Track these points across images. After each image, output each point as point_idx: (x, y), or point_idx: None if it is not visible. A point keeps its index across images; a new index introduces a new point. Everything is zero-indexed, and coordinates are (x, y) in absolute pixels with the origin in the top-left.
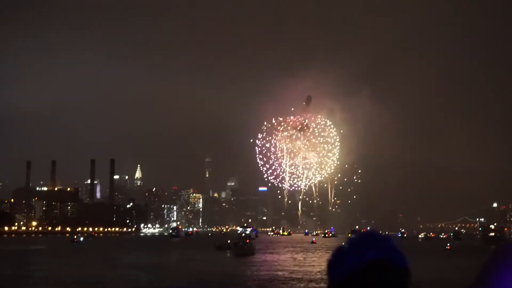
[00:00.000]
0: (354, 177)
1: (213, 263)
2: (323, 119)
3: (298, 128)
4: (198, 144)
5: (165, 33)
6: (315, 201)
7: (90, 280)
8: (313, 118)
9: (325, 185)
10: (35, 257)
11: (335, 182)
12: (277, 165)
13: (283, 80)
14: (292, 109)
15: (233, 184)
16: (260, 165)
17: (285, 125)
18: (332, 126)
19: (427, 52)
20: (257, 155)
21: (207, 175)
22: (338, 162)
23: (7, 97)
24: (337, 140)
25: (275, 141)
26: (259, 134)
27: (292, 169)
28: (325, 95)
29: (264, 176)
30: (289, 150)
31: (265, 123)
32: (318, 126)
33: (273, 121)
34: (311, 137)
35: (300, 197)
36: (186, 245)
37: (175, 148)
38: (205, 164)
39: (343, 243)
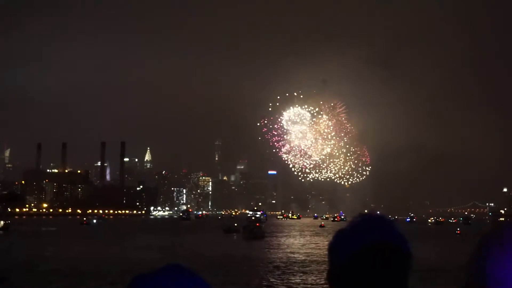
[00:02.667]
0: (365, 161)
1: (225, 246)
2: (335, 104)
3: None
4: (208, 127)
5: (176, 13)
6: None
7: (107, 262)
8: (326, 104)
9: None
10: (50, 239)
11: (346, 167)
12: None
13: (296, 64)
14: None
15: (242, 167)
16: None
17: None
18: (343, 112)
19: (443, 37)
20: (266, 132)
21: (216, 158)
22: (349, 146)
23: (18, 80)
24: (349, 126)
25: (283, 123)
26: (268, 116)
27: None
28: (338, 79)
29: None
30: (299, 132)
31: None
32: (330, 112)
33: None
34: (323, 123)
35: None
36: (197, 228)
37: (185, 131)
38: (215, 147)
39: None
